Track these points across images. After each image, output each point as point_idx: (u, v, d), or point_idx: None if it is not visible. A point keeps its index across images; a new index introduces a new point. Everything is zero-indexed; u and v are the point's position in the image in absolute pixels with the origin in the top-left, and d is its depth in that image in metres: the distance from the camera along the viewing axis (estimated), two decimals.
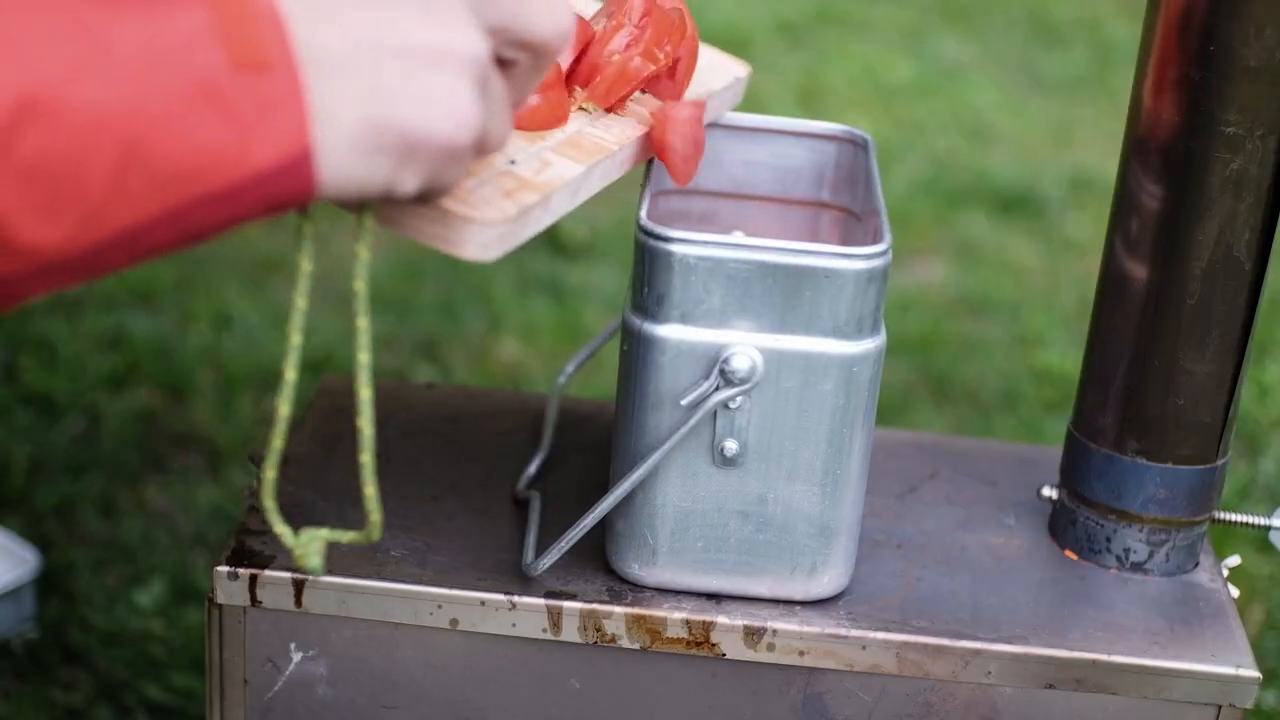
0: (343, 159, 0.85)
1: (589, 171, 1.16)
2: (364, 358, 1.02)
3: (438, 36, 0.88)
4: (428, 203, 0.99)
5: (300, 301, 1.00)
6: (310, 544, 1.02)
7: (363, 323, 1.02)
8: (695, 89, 1.33)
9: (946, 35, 4.63)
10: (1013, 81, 4.34)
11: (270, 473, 1.04)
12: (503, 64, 0.95)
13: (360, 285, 1.01)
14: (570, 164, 1.16)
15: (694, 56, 1.31)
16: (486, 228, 1.05)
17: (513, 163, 1.12)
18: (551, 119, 1.21)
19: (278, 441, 1.02)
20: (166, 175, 0.81)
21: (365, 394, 1.03)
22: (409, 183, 0.90)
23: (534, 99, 1.18)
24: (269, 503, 1.05)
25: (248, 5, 0.82)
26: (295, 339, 1.00)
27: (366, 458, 1.03)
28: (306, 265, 1.00)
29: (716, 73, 1.37)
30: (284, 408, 1.01)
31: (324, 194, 0.87)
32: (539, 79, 0.99)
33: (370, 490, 1.03)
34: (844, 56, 4.39)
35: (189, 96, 0.80)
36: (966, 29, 4.69)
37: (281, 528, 1.03)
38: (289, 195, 0.85)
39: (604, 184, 1.20)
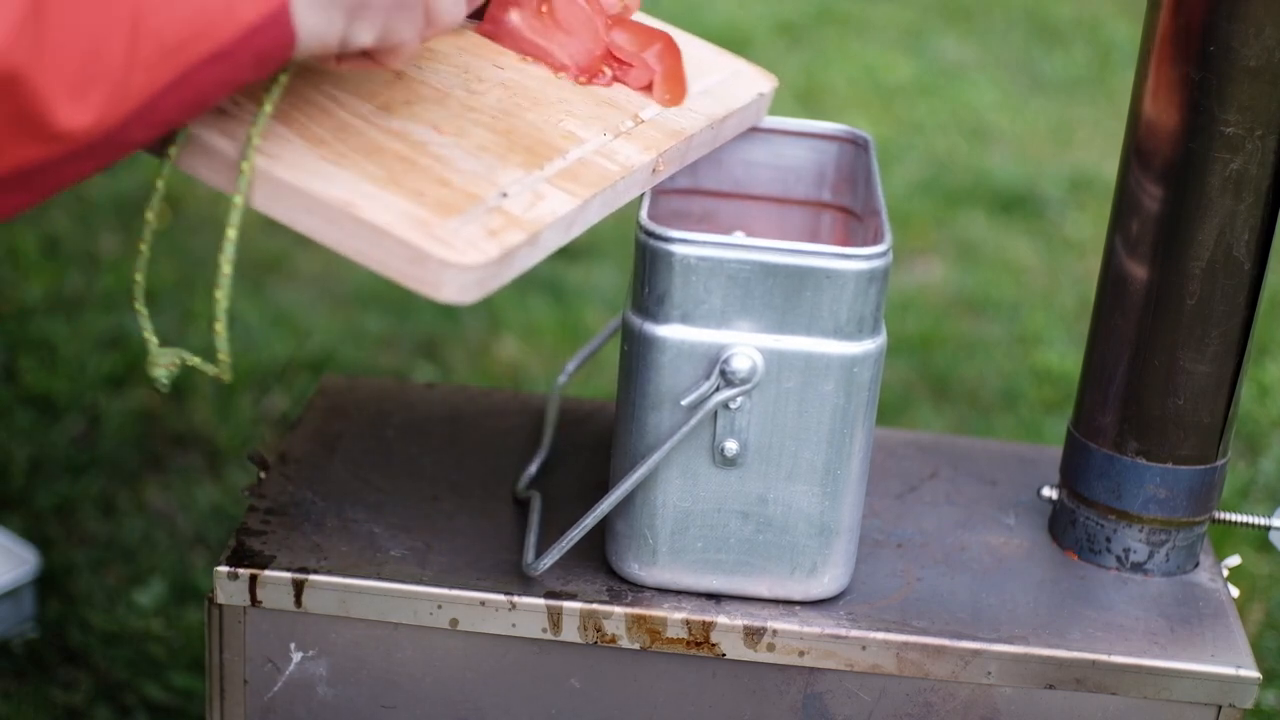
0: (309, 12, 0.99)
1: (585, 205, 1.13)
2: (246, 166, 1.08)
3: None
4: (382, 61, 1.08)
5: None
6: (163, 356, 1.13)
7: (254, 139, 1.08)
8: (721, 103, 1.30)
9: (946, 35, 4.63)
10: (1013, 81, 4.33)
11: (138, 276, 1.14)
12: None
13: (255, 132, 1.08)
14: (565, 198, 1.12)
15: (672, 55, 1.29)
16: (465, 271, 1.03)
17: (505, 195, 1.09)
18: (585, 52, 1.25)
19: (144, 248, 1.13)
20: (171, 42, 0.93)
21: (231, 234, 1.10)
22: (364, 34, 1.04)
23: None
24: (140, 307, 1.15)
25: None
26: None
27: (219, 294, 1.11)
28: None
29: (739, 88, 1.34)
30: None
31: (301, 46, 1.00)
32: None
33: (219, 328, 1.12)
34: (844, 56, 4.39)
35: None
36: (966, 29, 4.69)
37: (150, 335, 1.15)
38: (274, 47, 0.99)
39: (605, 213, 1.17)
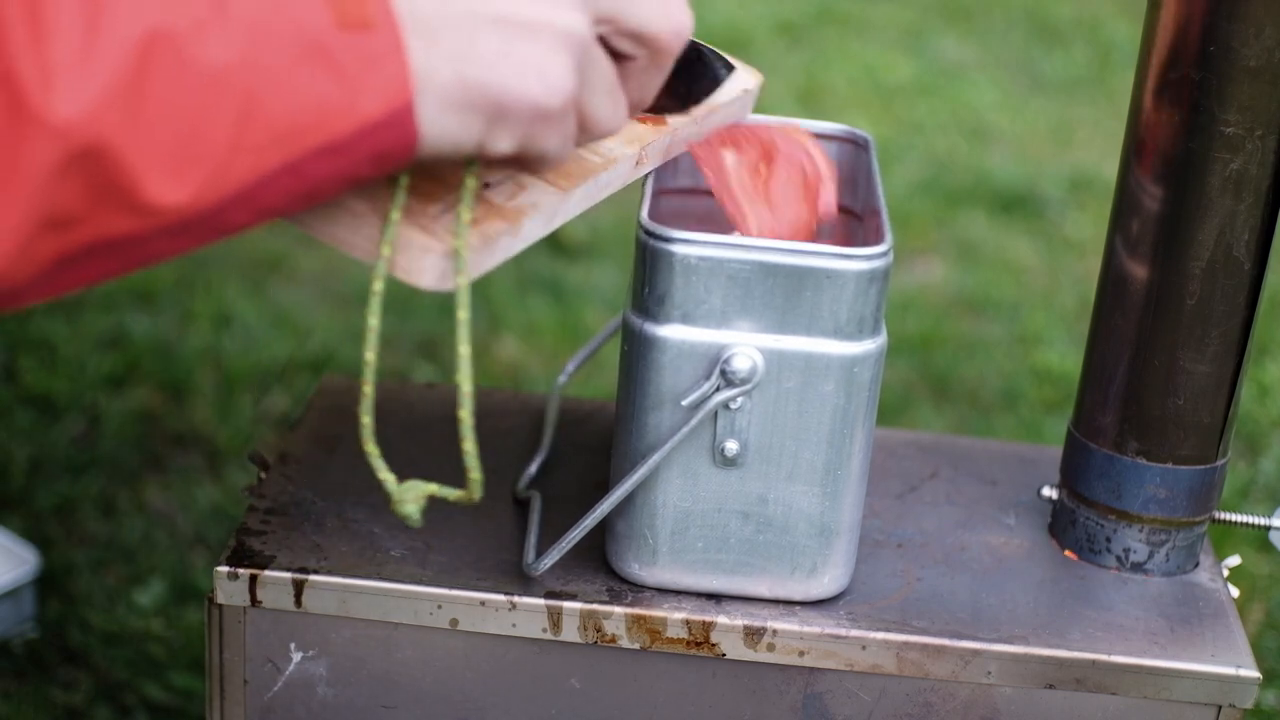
0: (439, 114, 0.91)
1: (566, 196, 1.12)
2: (462, 314, 1.04)
3: (536, 10, 0.93)
4: (529, 169, 1.02)
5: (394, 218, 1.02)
6: (409, 492, 1.05)
7: (463, 293, 1.03)
8: (699, 103, 1.29)
9: (946, 35, 4.63)
10: (1013, 81, 4.34)
11: (366, 419, 1.06)
12: (618, 58, 1.01)
13: (461, 244, 1.03)
14: (546, 189, 1.11)
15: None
16: (445, 258, 1.02)
17: (487, 186, 1.09)
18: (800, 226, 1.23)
19: (370, 354, 1.04)
20: (282, 129, 0.86)
21: (464, 349, 1.05)
22: (502, 142, 0.95)
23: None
24: (371, 448, 1.06)
25: None
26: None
27: (464, 413, 1.05)
28: (396, 216, 1.02)
29: (725, 85, 1.32)
30: (372, 320, 1.04)
31: (425, 146, 0.92)
32: (658, 78, 1.04)
33: (469, 446, 1.05)
34: (844, 56, 4.39)
35: (300, 54, 0.86)
36: (966, 29, 4.70)
37: (386, 474, 1.06)
38: (394, 147, 0.91)
39: (587, 205, 1.16)
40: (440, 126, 0.92)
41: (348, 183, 0.92)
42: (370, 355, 1.04)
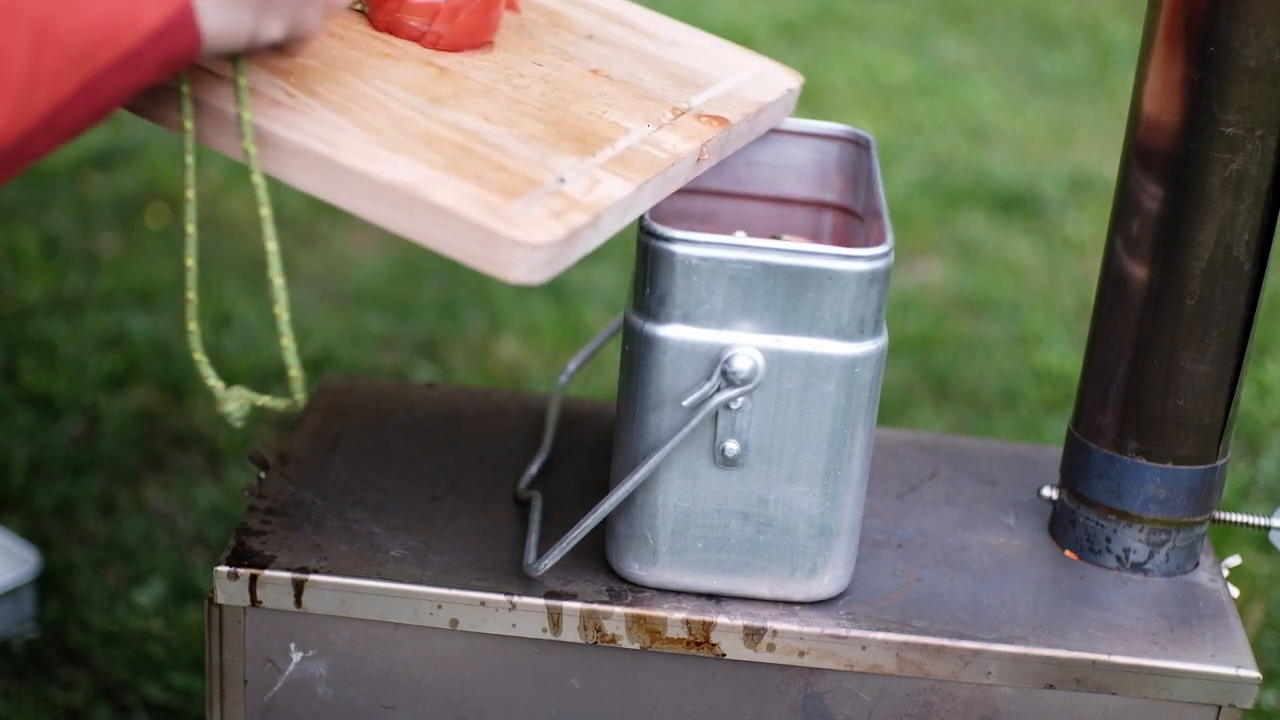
0: (215, 10, 0.98)
1: (640, 189, 1.15)
2: (266, 212, 1.10)
3: None
4: (293, 52, 1.08)
5: (188, 160, 1.09)
6: (232, 393, 1.11)
7: (250, 150, 1.08)
8: (754, 97, 1.32)
9: (946, 35, 4.63)
10: (1013, 81, 4.33)
11: (191, 324, 1.12)
12: None
13: (249, 146, 1.09)
14: (620, 182, 1.14)
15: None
16: (535, 250, 1.05)
17: (562, 181, 1.11)
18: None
19: (191, 294, 1.12)
20: (76, 50, 0.91)
21: (271, 246, 1.11)
22: (273, 28, 1.03)
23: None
24: (198, 355, 1.13)
25: None
26: (189, 194, 1.11)
27: (279, 309, 1.10)
28: (189, 124, 1.08)
29: (769, 84, 1.36)
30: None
31: (207, 44, 0.99)
32: None
33: (287, 343, 1.10)
34: (844, 56, 4.39)
35: None
36: (966, 29, 4.69)
37: (214, 381, 1.13)
38: (179, 49, 0.97)
39: (656, 200, 1.19)
40: (218, 23, 0.98)
41: (137, 92, 0.97)
42: (190, 262, 1.10)
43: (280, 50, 1.06)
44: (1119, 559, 1.35)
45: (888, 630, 1.24)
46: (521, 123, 1.17)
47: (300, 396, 1.10)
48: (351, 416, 1.48)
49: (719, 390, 1.18)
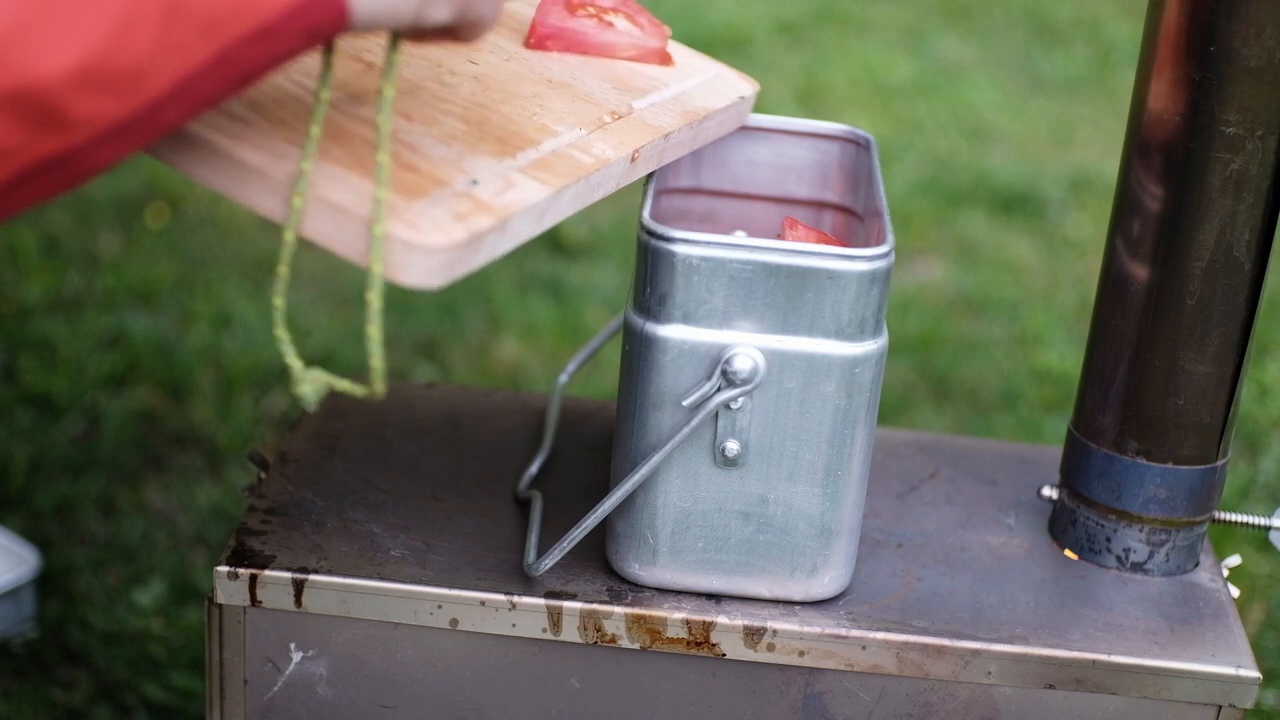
0: None
1: (556, 195, 1.11)
2: (382, 193, 1.02)
3: None
4: (462, 39, 1.00)
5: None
6: (309, 375, 1.06)
7: (384, 158, 1.02)
8: (700, 104, 1.30)
9: (946, 35, 4.63)
10: (1013, 81, 4.34)
11: (278, 300, 1.07)
12: None
13: (384, 120, 1.02)
14: (537, 186, 1.10)
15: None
16: (431, 254, 1.00)
17: (474, 182, 1.07)
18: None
19: (283, 269, 1.06)
20: (208, 21, 0.85)
21: (378, 229, 1.03)
22: (439, 11, 0.94)
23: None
24: (280, 332, 1.08)
25: None
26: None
27: (372, 295, 1.03)
28: (325, 95, 1.01)
29: (720, 91, 1.33)
30: (287, 234, 1.03)
31: (356, 20, 0.90)
32: None
33: (373, 331, 1.03)
34: (844, 56, 4.39)
35: None
36: (966, 29, 4.70)
37: (294, 359, 1.07)
38: (324, 23, 0.89)
39: (578, 207, 1.15)
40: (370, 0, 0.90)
41: (282, 61, 0.90)
42: (290, 236, 1.03)
43: (450, 35, 1.00)
44: (1119, 559, 1.36)
45: (888, 630, 1.24)
46: (443, 121, 1.13)
47: (380, 387, 1.04)
48: (351, 416, 1.48)
49: (719, 390, 1.18)
